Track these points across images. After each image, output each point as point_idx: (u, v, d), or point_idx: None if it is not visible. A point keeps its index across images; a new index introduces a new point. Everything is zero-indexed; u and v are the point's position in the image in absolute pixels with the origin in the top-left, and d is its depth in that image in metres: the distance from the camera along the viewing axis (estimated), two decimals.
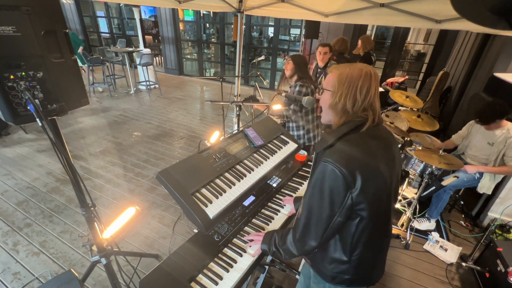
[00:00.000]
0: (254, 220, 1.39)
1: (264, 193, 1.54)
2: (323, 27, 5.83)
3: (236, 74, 3.48)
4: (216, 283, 1.07)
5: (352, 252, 0.98)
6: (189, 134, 4.58)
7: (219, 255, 1.18)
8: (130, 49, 6.62)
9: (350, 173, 0.85)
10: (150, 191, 3.06)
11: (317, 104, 2.25)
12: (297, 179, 1.73)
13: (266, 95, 6.63)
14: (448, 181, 2.44)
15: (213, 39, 8.96)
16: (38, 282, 2.00)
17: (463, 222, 2.81)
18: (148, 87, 6.77)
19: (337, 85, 0.95)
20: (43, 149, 3.84)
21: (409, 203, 2.70)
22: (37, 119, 1.03)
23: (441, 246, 2.46)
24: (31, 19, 0.95)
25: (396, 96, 3.05)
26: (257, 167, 1.53)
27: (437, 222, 2.75)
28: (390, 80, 5.57)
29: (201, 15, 8.33)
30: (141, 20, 6.57)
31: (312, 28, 5.33)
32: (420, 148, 2.58)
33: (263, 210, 1.46)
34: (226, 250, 1.22)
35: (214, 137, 2.53)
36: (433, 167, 2.38)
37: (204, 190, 1.28)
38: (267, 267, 1.89)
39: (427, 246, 2.47)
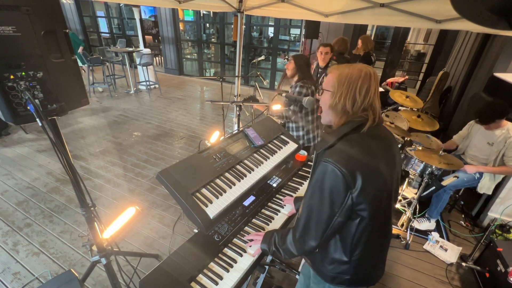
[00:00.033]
0: (254, 220, 1.39)
1: (264, 193, 1.54)
2: (323, 27, 5.83)
3: (236, 74, 3.48)
4: (216, 283, 1.07)
5: (352, 252, 0.98)
6: (189, 134, 4.58)
7: (219, 255, 1.18)
8: (130, 49, 6.62)
9: (350, 173, 0.85)
10: (150, 191, 3.06)
11: (317, 104, 2.25)
12: (297, 179, 1.73)
13: (266, 95, 6.63)
14: (448, 181, 2.44)
15: (213, 39, 8.96)
16: (38, 282, 2.00)
17: (463, 222, 2.81)
18: (148, 87, 6.77)
19: (336, 85, 0.95)
20: (43, 149, 3.84)
21: (409, 203, 2.70)
22: (37, 119, 1.03)
23: (441, 246, 2.46)
24: (31, 19, 0.95)
25: (396, 96, 3.05)
26: (257, 167, 1.53)
27: (437, 222, 2.75)
28: (390, 80, 5.57)
29: (201, 15, 8.33)
30: (141, 20, 6.57)
31: (312, 28, 5.32)
32: (420, 148, 2.58)
33: (263, 210, 1.46)
34: (226, 250, 1.22)
35: (214, 137, 2.53)
36: (433, 167, 2.39)
37: (204, 190, 1.28)
38: (267, 267, 1.89)
39: (427, 246, 2.47)
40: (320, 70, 3.46)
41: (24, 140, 4.09)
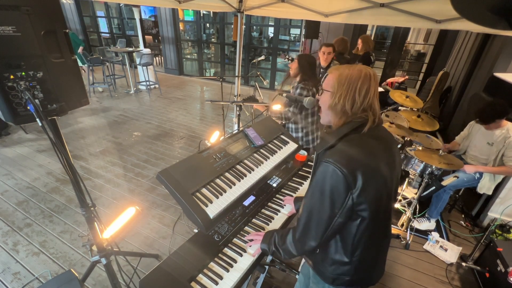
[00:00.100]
0: (254, 220, 1.39)
1: (264, 193, 1.54)
2: (323, 27, 5.83)
3: (236, 74, 3.48)
4: (216, 283, 1.07)
5: (353, 253, 0.98)
6: (189, 134, 4.58)
7: (219, 255, 1.18)
8: (130, 49, 6.62)
9: (351, 173, 0.85)
10: (150, 191, 3.06)
11: (318, 105, 2.24)
12: (297, 179, 1.73)
13: (266, 95, 6.63)
14: (448, 181, 2.44)
15: (213, 39, 8.96)
16: (38, 282, 2.00)
17: (463, 222, 2.81)
18: (148, 87, 6.77)
19: (336, 86, 0.95)
20: (43, 149, 3.84)
21: (409, 203, 2.70)
22: (37, 119, 1.03)
23: (441, 246, 2.46)
24: (31, 19, 0.95)
25: (396, 96, 3.05)
26: (257, 167, 1.53)
27: (437, 222, 2.75)
28: (390, 80, 5.57)
29: (201, 15, 8.33)
30: (141, 20, 6.57)
31: (312, 28, 5.32)
32: (420, 148, 2.58)
33: (263, 210, 1.46)
34: (226, 250, 1.22)
35: (214, 137, 2.53)
36: (433, 167, 2.38)
37: (204, 190, 1.28)
38: (267, 267, 1.89)
39: (427, 246, 2.47)
40: (322, 70, 3.45)
41: (24, 140, 4.09)
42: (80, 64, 5.68)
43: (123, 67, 7.56)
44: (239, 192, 1.35)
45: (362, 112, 0.94)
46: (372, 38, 6.20)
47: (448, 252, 2.40)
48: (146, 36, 7.93)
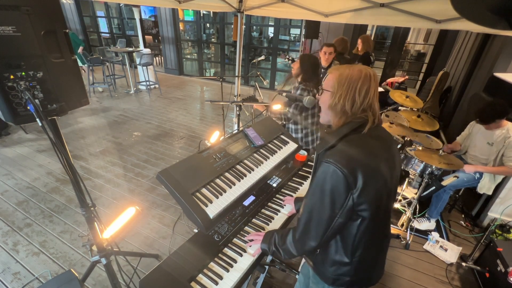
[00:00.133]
0: (254, 220, 1.39)
1: (264, 193, 1.54)
2: (323, 27, 5.83)
3: (236, 74, 3.48)
4: (216, 283, 1.07)
5: (353, 253, 0.98)
6: (189, 134, 4.58)
7: (219, 255, 1.18)
8: (130, 49, 6.62)
9: (351, 173, 0.85)
10: (150, 191, 3.06)
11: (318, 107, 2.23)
12: (297, 179, 1.73)
13: (266, 95, 6.63)
14: (448, 181, 2.44)
15: (213, 39, 8.96)
16: (38, 282, 2.00)
17: (463, 222, 2.81)
18: (148, 87, 6.77)
19: (336, 86, 0.95)
20: (43, 149, 3.84)
21: (409, 203, 2.70)
22: (37, 119, 1.03)
23: (441, 246, 2.46)
24: (31, 19, 0.95)
25: (396, 96, 3.05)
26: (257, 167, 1.53)
27: (437, 222, 2.75)
28: (390, 80, 5.56)
29: (201, 15, 8.33)
30: (141, 20, 6.57)
31: (312, 28, 5.33)
32: (420, 148, 2.58)
33: (263, 210, 1.46)
34: (226, 250, 1.22)
35: (214, 137, 2.53)
36: (433, 167, 2.38)
37: (204, 190, 1.28)
38: (267, 267, 1.89)
39: (427, 246, 2.47)
40: (323, 70, 3.45)
41: (24, 140, 4.09)
42: (80, 64, 5.68)
43: (123, 67, 7.56)
44: (239, 192, 1.35)
45: (362, 112, 0.95)
46: (372, 38, 6.20)
47: (448, 252, 2.40)
48: (146, 36, 7.93)
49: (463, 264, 2.25)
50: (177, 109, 5.75)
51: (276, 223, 1.39)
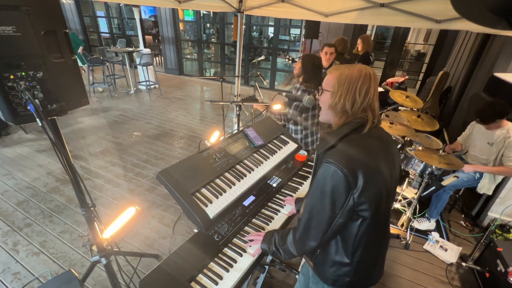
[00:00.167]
0: (254, 220, 1.39)
1: (264, 193, 1.54)
2: (323, 27, 5.83)
3: (236, 74, 3.48)
4: (216, 283, 1.07)
5: (353, 253, 0.98)
6: (189, 134, 4.58)
7: (219, 255, 1.18)
8: (130, 49, 6.62)
9: (351, 173, 0.85)
10: (150, 191, 3.06)
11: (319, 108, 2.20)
12: (297, 179, 1.73)
13: (266, 95, 6.63)
14: (448, 181, 2.44)
15: (213, 39, 8.97)
16: (38, 282, 2.00)
17: (463, 222, 2.81)
18: (148, 87, 6.77)
19: (336, 85, 0.95)
20: (43, 149, 3.84)
21: (409, 203, 2.70)
22: (37, 119, 1.03)
23: (441, 246, 2.46)
24: (31, 19, 0.95)
25: (396, 96, 3.04)
26: (257, 167, 1.53)
27: (437, 222, 2.75)
28: (390, 80, 5.56)
29: (201, 15, 8.33)
30: (141, 20, 6.58)
31: (312, 28, 5.33)
32: (420, 148, 2.58)
33: (263, 210, 1.46)
34: (226, 250, 1.22)
35: (214, 137, 2.53)
36: (433, 167, 2.38)
37: (204, 190, 1.28)
38: (267, 267, 1.89)
39: (427, 246, 2.47)
40: (324, 70, 3.45)
41: (24, 140, 4.09)
42: (80, 64, 5.68)
43: (123, 67, 7.56)
44: (239, 192, 1.35)
45: (362, 112, 0.95)
46: (372, 38, 6.21)
47: (448, 252, 2.40)
48: (146, 36, 7.94)
49: (463, 264, 2.25)
50: (177, 109, 5.75)
51: (276, 223, 1.39)
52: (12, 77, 0.98)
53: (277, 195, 1.58)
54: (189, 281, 1.05)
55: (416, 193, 2.64)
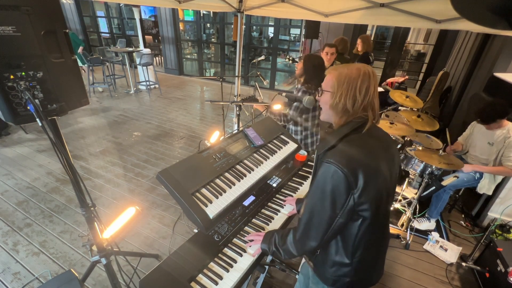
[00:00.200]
0: (254, 220, 1.39)
1: (264, 193, 1.54)
2: (323, 27, 5.83)
3: (236, 74, 3.48)
4: (216, 283, 1.07)
5: (353, 254, 0.98)
6: (189, 134, 4.58)
7: (219, 255, 1.18)
8: (130, 49, 6.62)
9: (352, 173, 0.85)
10: (150, 191, 3.06)
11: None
12: (297, 179, 1.73)
13: (266, 95, 6.63)
14: (448, 181, 2.44)
15: (213, 39, 8.97)
16: (38, 282, 2.00)
17: (463, 222, 2.81)
18: (148, 87, 6.77)
19: (336, 85, 0.95)
20: (43, 149, 3.84)
21: (409, 203, 2.70)
22: (37, 119, 1.03)
23: (441, 246, 2.46)
24: (31, 19, 0.95)
25: (396, 96, 3.04)
26: (257, 167, 1.53)
27: (437, 222, 2.75)
28: (390, 80, 5.56)
29: (201, 15, 8.33)
30: (141, 20, 6.57)
31: (312, 28, 5.33)
32: (420, 148, 2.58)
33: (263, 210, 1.46)
34: (226, 250, 1.22)
35: (214, 137, 2.53)
36: (433, 167, 2.38)
37: (204, 190, 1.28)
38: (267, 267, 1.89)
39: (427, 246, 2.47)
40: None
41: (24, 140, 4.09)
42: (80, 64, 5.68)
43: (123, 67, 7.56)
44: (239, 192, 1.35)
45: (363, 111, 0.95)
46: (372, 38, 6.21)
47: (448, 252, 2.40)
48: (146, 36, 7.93)
49: (463, 264, 2.25)
50: (177, 109, 5.75)
51: (276, 223, 1.39)
52: (12, 77, 0.98)
53: (277, 195, 1.58)
54: (189, 281, 1.05)
55: (416, 193, 2.64)
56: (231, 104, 2.13)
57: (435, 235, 2.55)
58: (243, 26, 3.47)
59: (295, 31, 8.00)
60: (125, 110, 5.54)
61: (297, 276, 1.99)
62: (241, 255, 1.19)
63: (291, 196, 1.56)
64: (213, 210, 1.21)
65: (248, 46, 7.70)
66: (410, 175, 2.74)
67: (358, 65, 0.96)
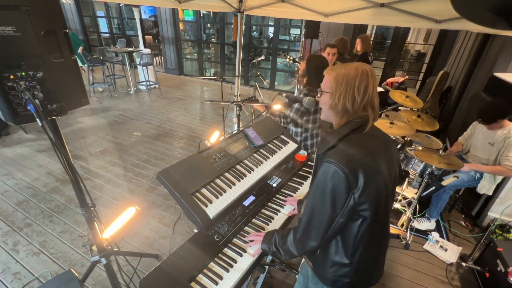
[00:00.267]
0: (254, 220, 1.39)
1: (264, 193, 1.54)
2: (323, 27, 5.83)
3: (236, 74, 3.48)
4: (216, 283, 1.07)
5: (353, 254, 0.98)
6: (189, 134, 4.58)
7: (219, 255, 1.18)
8: (130, 49, 6.62)
9: (352, 173, 0.85)
10: (150, 191, 3.06)
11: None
12: (297, 179, 1.73)
13: (266, 95, 6.63)
14: (448, 181, 2.44)
15: (213, 39, 8.97)
16: (38, 282, 2.00)
17: (463, 222, 2.81)
18: (148, 87, 6.77)
19: (334, 86, 0.95)
20: (43, 149, 3.84)
21: (409, 203, 2.70)
22: (37, 119, 1.03)
23: (441, 246, 2.46)
24: (31, 19, 0.95)
25: (396, 96, 3.04)
26: (257, 167, 1.53)
27: (437, 222, 2.75)
28: (390, 80, 5.56)
29: (201, 15, 8.33)
30: (141, 20, 6.58)
31: (312, 28, 5.33)
32: (420, 148, 2.58)
33: (263, 210, 1.46)
34: (226, 250, 1.21)
35: (214, 137, 2.53)
36: (433, 167, 2.38)
37: (204, 190, 1.28)
38: (267, 267, 1.89)
39: (427, 246, 2.47)
40: None
41: (24, 140, 4.09)
42: (80, 64, 5.68)
43: (123, 67, 7.57)
44: (239, 192, 1.35)
45: (363, 110, 0.95)
46: (372, 38, 6.21)
47: (448, 252, 2.40)
48: (146, 36, 7.94)
49: (463, 264, 2.25)
50: (177, 109, 5.75)
51: (276, 223, 1.39)
52: (12, 77, 0.98)
53: (277, 195, 1.58)
54: (189, 281, 1.05)
55: (416, 193, 2.64)
56: (231, 104, 2.13)
57: (435, 235, 2.55)
58: (243, 26, 3.47)
59: (295, 31, 8.00)
60: (125, 110, 5.54)
61: (297, 276, 1.99)
62: (241, 255, 1.19)
63: (291, 196, 1.57)
64: (213, 210, 1.21)
65: (248, 46, 7.70)
66: (410, 175, 2.74)
67: (356, 65, 0.95)
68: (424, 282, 2.15)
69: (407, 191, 3.00)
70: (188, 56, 9.09)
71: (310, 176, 1.74)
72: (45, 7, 0.98)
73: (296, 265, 2.16)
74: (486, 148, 2.52)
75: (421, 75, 7.51)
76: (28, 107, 1.02)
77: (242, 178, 1.42)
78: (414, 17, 2.52)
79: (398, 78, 5.71)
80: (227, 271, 1.12)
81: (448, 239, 2.59)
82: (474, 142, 2.67)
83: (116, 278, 1.66)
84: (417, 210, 2.78)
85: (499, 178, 2.48)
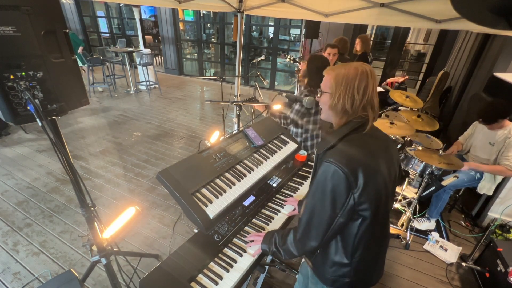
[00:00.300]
0: (254, 220, 1.39)
1: (264, 193, 1.54)
2: (323, 27, 5.83)
3: (236, 74, 3.48)
4: (216, 283, 1.07)
5: (353, 254, 0.98)
6: (189, 134, 4.58)
7: (219, 255, 1.18)
8: (130, 49, 6.62)
9: (352, 173, 0.85)
10: (150, 191, 3.06)
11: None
12: (297, 179, 1.73)
13: (266, 95, 6.63)
14: (448, 181, 2.44)
15: (213, 39, 8.97)
16: (38, 282, 2.00)
17: (463, 222, 2.81)
18: (148, 87, 6.77)
19: (334, 86, 0.95)
20: (43, 149, 3.84)
21: (409, 203, 2.70)
22: (37, 119, 1.03)
23: (441, 246, 2.46)
24: (31, 19, 0.95)
25: (396, 96, 3.04)
26: (257, 167, 1.53)
27: (437, 222, 2.75)
28: (390, 80, 5.56)
29: (201, 15, 8.33)
30: (141, 20, 6.58)
31: (312, 28, 5.33)
32: (420, 148, 2.58)
33: (263, 210, 1.46)
34: (226, 250, 1.22)
35: (214, 137, 2.53)
36: (433, 167, 2.38)
37: (204, 190, 1.28)
38: (267, 267, 1.89)
39: (427, 246, 2.47)
40: None
41: (24, 140, 4.09)
42: (80, 64, 5.68)
43: (123, 67, 7.57)
44: (239, 192, 1.35)
45: (362, 110, 0.95)
46: (372, 38, 6.21)
47: (448, 252, 2.40)
48: (146, 36, 7.94)
49: (463, 264, 2.25)
50: (177, 109, 5.75)
51: (276, 223, 1.39)
52: (12, 77, 0.98)
53: (277, 195, 1.58)
54: (189, 281, 1.05)
55: (416, 193, 2.64)
56: (231, 104, 2.12)
57: (435, 235, 2.55)
58: (243, 26, 3.47)
59: (295, 31, 8.00)
60: (125, 110, 5.54)
61: (296, 276, 1.99)
62: (241, 255, 1.19)
63: (291, 196, 1.57)
64: (213, 210, 1.21)
65: (248, 46, 7.70)
66: (410, 175, 2.74)
67: (356, 64, 0.95)
68: (424, 282, 2.15)
69: (407, 191, 3.00)
70: (188, 56, 9.09)
71: (310, 176, 1.74)
72: (45, 7, 0.98)
73: (296, 265, 2.16)
74: (486, 148, 2.52)
75: (421, 75, 7.51)
76: (28, 107, 1.02)
77: (242, 178, 1.42)
78: (414, 17, 2.52)
79: (398, 78, 5.71)
80: (227, 271, 1.12)
81: (448, 239, 2.59)
82: (475, 142, 2.67)
83: (116, 278, 1.66)
84: (417, 210, 2.78)
85: (499, 178, 2.47)
